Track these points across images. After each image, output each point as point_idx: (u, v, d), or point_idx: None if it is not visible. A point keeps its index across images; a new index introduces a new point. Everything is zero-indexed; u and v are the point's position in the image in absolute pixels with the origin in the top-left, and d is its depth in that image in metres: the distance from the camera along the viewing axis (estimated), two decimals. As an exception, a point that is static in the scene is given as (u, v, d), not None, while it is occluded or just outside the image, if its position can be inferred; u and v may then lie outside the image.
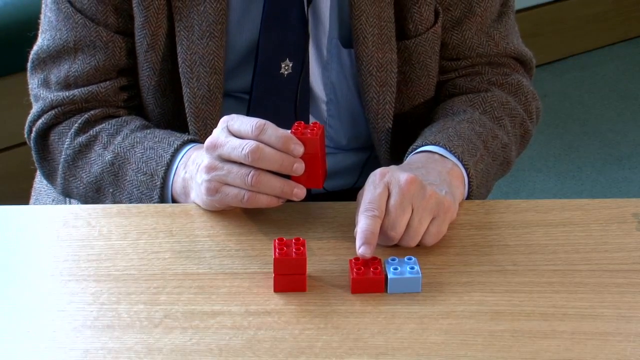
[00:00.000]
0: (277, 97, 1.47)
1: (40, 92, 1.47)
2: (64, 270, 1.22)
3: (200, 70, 1.41)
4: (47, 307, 1.16)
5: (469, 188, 1.36)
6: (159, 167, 1.35)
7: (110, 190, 1.39)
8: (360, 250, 1.20)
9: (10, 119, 2.43)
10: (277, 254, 1.18)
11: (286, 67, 1.45)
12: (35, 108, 1.48)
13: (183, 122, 1.45)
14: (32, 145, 1.47)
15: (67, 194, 1.47)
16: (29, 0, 2.44)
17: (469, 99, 1.47)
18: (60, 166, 1.44)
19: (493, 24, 1.50)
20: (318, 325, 1.14)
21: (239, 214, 1.30)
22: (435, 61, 1.49)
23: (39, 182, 1.61)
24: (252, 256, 1.24)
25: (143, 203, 1.35)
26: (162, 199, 1.35)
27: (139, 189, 1.37)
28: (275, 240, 1.19)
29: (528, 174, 2.95)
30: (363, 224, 1.21)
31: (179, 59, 1.42)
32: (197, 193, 1.30)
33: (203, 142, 1.32)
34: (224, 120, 1.27)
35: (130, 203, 1.36)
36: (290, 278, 1.18)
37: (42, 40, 1.46)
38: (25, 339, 1.12)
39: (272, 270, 1.19)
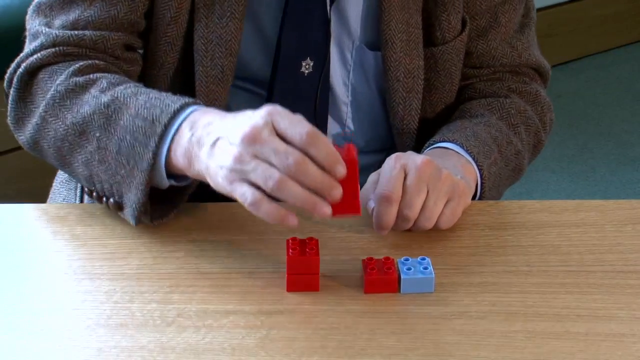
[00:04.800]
0: (296, 96, 1.46)
1: (42, 29, 1.36)
2: (77, 269, 1.22)
3: (215, 50, 1.40)
4: (60, 305, 1.17)
5: (481, 189, 1.37)
6: (164, 115, 1.22)
7: (97, 134, 1.25)
8: (377, 231, 1.24)
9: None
10: (290, 253, 1.18)
11: (307, 66, 1.44)
12: (32, 45, 1.35)
13: None
14: (15, 81, 1.33)
15: (36, 141, 1.32)
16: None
17: (487, 102, 1.48)
18: (42, 106, 1.30)
19: (516, 35, 1.51)
20: (331, 325, 1.14)
21: (252, 213, 1.30)
22: (459, 69, 1.49)
23: (55, 180, 1.60)
24: (265, 255, 1.24)
25: (133, 152, 1.22)
26: (157, 151, 1.21)
27: (133, 135, 1.22)
28: (288, 240, 1.19)
29: (542, 175, 2.94)
30: (380, 209, 1.23)
31: (195, 37, 1.39)
32: (210, 171, 1.17)
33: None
34: (269, 113, 1.14)
35: (119, 150, 1.23)
36: (303, 278, 1.18)
37: None
38: (39, 337, 1.12)
39: (285, 269, 1.19)
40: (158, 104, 1.23)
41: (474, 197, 1.36)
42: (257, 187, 1.14)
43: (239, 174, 1.14)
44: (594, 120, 3.22)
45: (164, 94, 1.26)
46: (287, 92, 1.46)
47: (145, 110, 1.23)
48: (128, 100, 1.25)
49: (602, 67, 3.47)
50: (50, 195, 1.60)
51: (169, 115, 1.21)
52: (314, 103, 1.47)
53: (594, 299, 1.18)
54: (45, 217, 1.32)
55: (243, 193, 1.14)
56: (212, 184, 1.18)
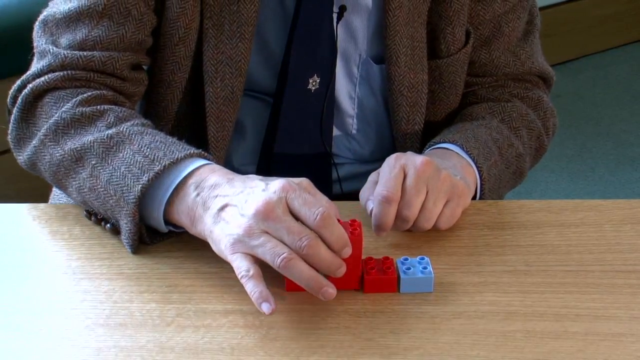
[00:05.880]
0: (303, 112, 1.46)
1: (50, 47, 1.34)
2: (76, 269, 1.22)
3: (225, 71, 1.39)
4: (60, 305, 1.17)
5: (481, 191, 1.37)
6: (166, 158, 1.21)
7: (93, 162, 1.24)
8: (376, 233, 1.23)
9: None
10: (289, 253, 1.18)
11: (314, 83, 1.44)
12: (40, 64, 1.34)
13: (192, 123, 1.43)
14: (19, 102, 1.32)
15: (33, 163, 1.31)
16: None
17: (489, 106, 1.49)
18: (43, 129, 1.29)
19: (519, 43, 1.51)
20: (330, 324, 1.14)
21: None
22: (463, 79, 1.50)
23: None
24: (264, 255, 1.24)
25: (122, 183, 1.21)
26: (147, 187, 1.20)
27: (128, 167, 1.21)
28: (287, 240, 1.19)
29: (541, 174, 2.94)
30: (379, 210, 1.22)
31: (204, 58, 1.39)
32: (213, 235, 1.17)
33: (217, 153, 1.30)
34: (283, 189, 1.14)
35: (109, 180, 1.22)
36: (302, 277, 1.18)
37: (66, 4, 1.35)
38: (38, 337, 1.12)
39: (284, 269, 1.19)
40: (162, 148, 1.22)
41: (474, 199, 1.36)
42: (255, 261, 1.13)
43: (245, 246, 1.13)
44: (593, 120, 3.22)
45: (170, 139, 1.25)
46: (294, 109, 1.46)
47: (148, 150, 1.22)
48: (133, 136, 1.24)
49: (600, 67, 3.47)
50: (50, 201, 1.59)
51: (171, 160, 1.20)
52: (320, 117, 1.47)
53: (593, 299, 1.18)
54: (44, 217, 1.32)
55: (239, 266, 1.13)
56: (213, 247, 1.18)
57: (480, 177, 1.37)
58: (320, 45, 1.43)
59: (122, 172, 1.21)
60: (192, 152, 1.22)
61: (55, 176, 1.29)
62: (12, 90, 1.35)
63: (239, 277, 1.14)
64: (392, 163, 1.25)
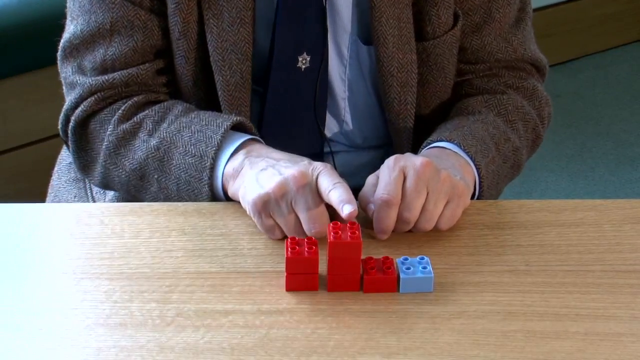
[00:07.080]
0: (293, 92, 1.47)
1: (76, 78, 1.44)
2: (77, 269, 1.22)
3: (232, 58, 1.41)
4: (60, 305, 1.17)
5: (479, 188, 1.37)
6: (209, 149, 1.32)
7: (156, 176, 1.37)
8: (379, 236, 1.25)
9: (27, 117, 2.44)
10: (289, 253, 1.18)
11: (304, 61, 1.45)
12: (72, 96, 1.44)
13: (216, 110, 1.44)
14: (70, 134, 1.44)
15: (106, 184, 1.44)
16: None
17: (484, 99, 1.48)
18: (101, 155, 1.41)
19: (511, 30, 1.51)
20: (330, 324, 1.14)
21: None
22: (453, 64, 1.49)
23: (57, 179, 1.61)
24: (264, 255, 1.24)
25: (191, 187, 1.33)
26: (211, 182, 1.32)
27: (187, 172, 1.34)
28: (287, 240, 1.19)
29: (540, 174, 2.94)
30: (380, 213, 1.23)
31: (210, 48, 1.41)
32: (246, 191, 1.27)
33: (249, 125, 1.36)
34: (317, 167, 1.25)
35: (179, 188, 1.34)
36: (302, 277, 1.18)
37: (75, 27, 1.43)
38: (38, 337, 1.12)
39: (284, 269, 1.19)
40: (202, 138, 1.34)
41: (472, 196, 1.36)
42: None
43: (268, 210, 1.24)
44: (593, 119, 3.22)
45: (204, 122, 1.35)
46: (283, 88, 1.46)
47: (192, 147, 1.34)
48: (174, 138, 1.36)
49: (600, 67, 3.47)
50: (53, 193, 1.59)
51: (215, 148, 1.32)
52: (312, 99, 1.47)
53: (593, 299, 1.18)
54: (44, 216, 1.32)
55: (271, 230, 1.26)
56: (242, 202, 1.28)
57: (479, 175, 1.37)
58: (308, 22, 1.44)
59: (185, 179, 1.34)
60: (225, 127, 1.33)
61: (128, 192, 1.42)
62: (60, 124, 1.46)
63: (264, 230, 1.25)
64: (391, 165, 1.25)
